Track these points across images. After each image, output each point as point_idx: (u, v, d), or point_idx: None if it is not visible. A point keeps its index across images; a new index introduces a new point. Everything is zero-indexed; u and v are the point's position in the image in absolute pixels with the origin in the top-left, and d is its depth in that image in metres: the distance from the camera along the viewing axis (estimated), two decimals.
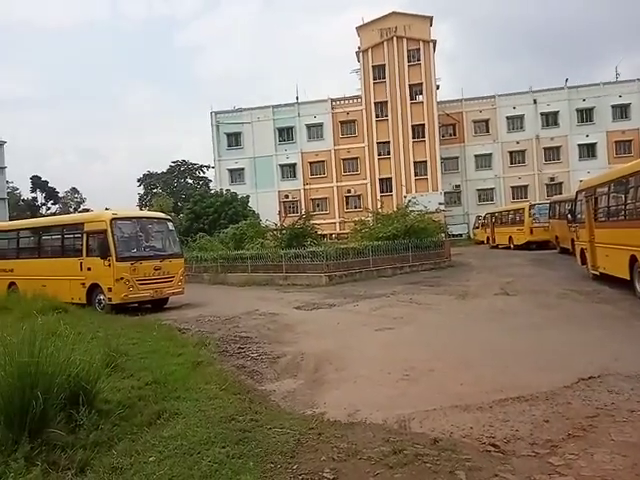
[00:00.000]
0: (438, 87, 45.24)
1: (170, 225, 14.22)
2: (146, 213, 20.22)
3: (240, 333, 8.91)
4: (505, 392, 4.88)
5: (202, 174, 66.04)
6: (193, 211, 32.18)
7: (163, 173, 65.86)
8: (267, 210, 35.29)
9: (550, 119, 45.42)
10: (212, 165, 53.31)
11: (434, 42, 44.38)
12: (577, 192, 15.05)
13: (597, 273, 12.56)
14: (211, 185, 53.81)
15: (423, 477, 3.26)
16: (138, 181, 66.43)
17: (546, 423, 4.08)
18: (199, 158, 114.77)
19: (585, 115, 44.71)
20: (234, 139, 49.23)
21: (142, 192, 66.19)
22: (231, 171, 48.83)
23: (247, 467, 3.42)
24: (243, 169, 48.67)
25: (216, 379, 5.62)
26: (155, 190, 64.23)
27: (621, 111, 44.03)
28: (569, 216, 15.57)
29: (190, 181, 66.73)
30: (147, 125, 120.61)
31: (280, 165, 47.97)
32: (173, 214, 31.33)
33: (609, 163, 41.08)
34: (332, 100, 46.78)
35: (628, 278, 10.15)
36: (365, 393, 5.29)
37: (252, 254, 19.34)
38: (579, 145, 44.56)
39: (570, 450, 3.55)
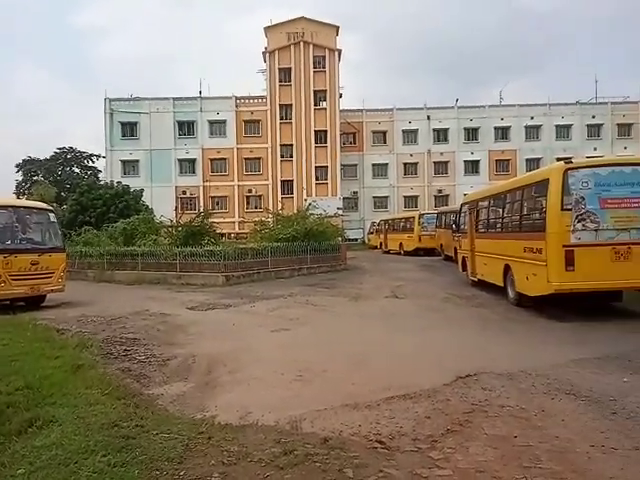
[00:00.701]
0: (341, 95, 46.58)
1: (52, 216, 13.04)
2: (24, 202, 18.46)
3: (127, 334, 8.39)
4: (392, 390, 5.11)
5: (91, 164, 61.22)
6: (79, 202, 29.77)
7: (46, 160, 59.98)
8: (162, 206, 33.78)
9: (441, 135, 48.81)
10: (103, 155, 49.97)
11: (339, 51, 45.63)
12: (461, 204, 16.34)
13: (476, 279, 13.67)
14: (101, 176, 50.32)
15: (313, 476, 3.29)
16: (17, 167, 60.08)
17: (427, 419, 4.34)
18: (89, 147, 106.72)
19: (471, 134, 48.68)
20: (129, 129, 46.58)
21: (21, 179, 59.97)
22: (124, 162, 46.11)
23: (130, 475, 3.22)
24: (138, 161, 46.21)
25: (98, 383, 5.22)
26: (36, 178, 58.46)
27: (502, 133, 48.54)
28: (453, 226, 16.80)
29: (77, 170, 61.46)
30: (34, 110, 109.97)
31: (179, 160, 46.28)
32: (55, 205, 28.83)
33: (490, 179, 45.13)
34: (237, 98, 46.15)
35: (502, 285, 11.18)
36: (258, 395, 5.25)
37: (143, 251, 18.34)
38: (465, 161, 48.40)
39: (449, 444, 3.80)
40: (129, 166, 46.32)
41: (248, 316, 10.40)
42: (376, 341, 7.75)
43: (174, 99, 46.52)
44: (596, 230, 8.46)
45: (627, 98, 47.87)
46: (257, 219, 23.80)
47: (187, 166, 46.64)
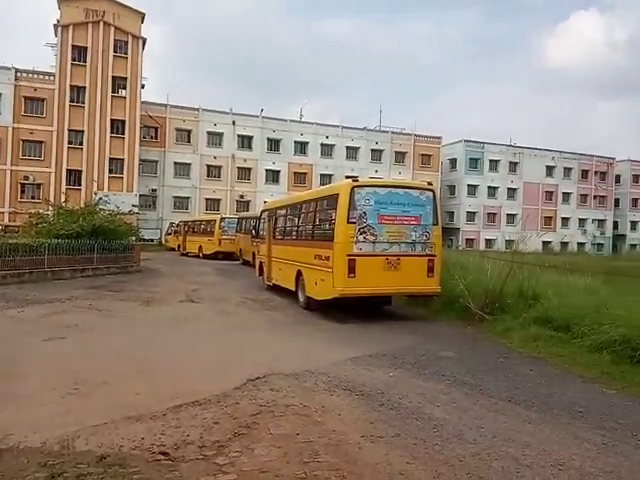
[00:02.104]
0: (143, 86, 43.78)
1: None
2: None
3: None
4: (181, 398, 4.93)
5: None
6: None
7: None
8: None
9: (245, 142, 49.68)
10: None
11: (144, 40, 42.90)
12: (261, 211, 16.85)
13: (271, 284, 14.21)
14: None
15: None
16: None
17: (215, 425, 4.29)
18: None
19: (274, 144, 50.69)
20: None
21: None
22: None
23: None
24: None
25: None
26: None
27: (301, 147, 51.70)
28: (253, 232, 17.24)
29: None
30: None
31: None
32: None
33: (288, 189, 47.65)
34: (17, 70, 39.67)
35: (294, 289, 11.83)
36: (23, 414, 4.51)
37: None
38: (267, 170, 50.12)
39: (235, 448, 3.82)
40: None
41: (14, 323, 8.96)
42: (165, 347, 7.43)
43: None
44: (374, 242, 9.59)
45: (403, 130, 55.74)
46: (33, 211, 20.74)
47: None
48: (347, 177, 10.63)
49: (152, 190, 45.56)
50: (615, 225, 65.49)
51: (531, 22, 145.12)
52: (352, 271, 9.41)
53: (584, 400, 5.23)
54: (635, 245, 62.76)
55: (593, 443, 4.11)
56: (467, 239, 55.70)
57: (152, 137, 46.32)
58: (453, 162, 58.74)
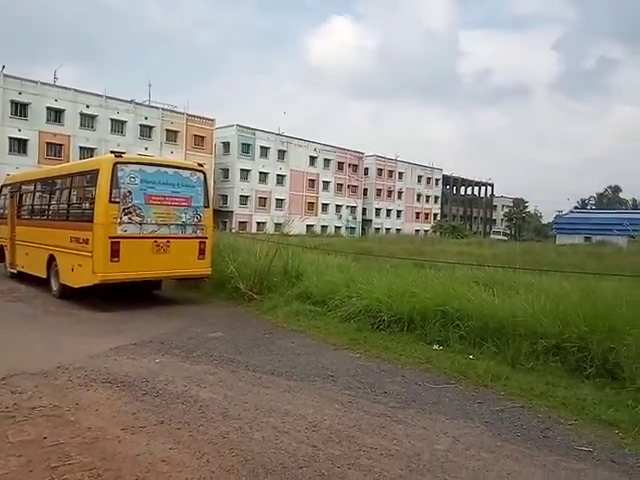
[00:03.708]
0: None
1: None
2: None
3: None
4: None
5: None
6: None
7: None
8: None
9: None
10: None
11: None
12: (2, 186, 14.18)
13: (15, 271, 12.20)
14: None
15: None
16: None
17: None
18: None
19: (19, 109, 43.21)
20: None
21: None
22: None
23: None
24: None
25: None
26: None
27: (55, 115, 45.27)
28: None
29: None
30: None
31: None
32: None
33: (39, 162, 41.37)
34: None
35: (45, 277, 10.38)
36: None
37: None
38: (10, 138, 42.51)
39: None
40: None
41: None
42: None
43: None
44: (141, 224, 9.03)
45: (175, 107, 53.80)
46: None
47: None
48: (111, 152, 9.71)
49: None
50: (364, 211, 75.67)
51: (299, 19, 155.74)
52: (115, 255, 8.70)
53: (335, 365, 5.91)
54: (379, 229, 73.68)
55: (341, 403, 4.67)
56: (240, 222, 57.28)
57: None
58: (227, 146, 59.39)
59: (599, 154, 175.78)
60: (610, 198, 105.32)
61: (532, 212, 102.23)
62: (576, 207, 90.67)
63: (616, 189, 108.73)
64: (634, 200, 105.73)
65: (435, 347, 6.47)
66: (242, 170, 59.41)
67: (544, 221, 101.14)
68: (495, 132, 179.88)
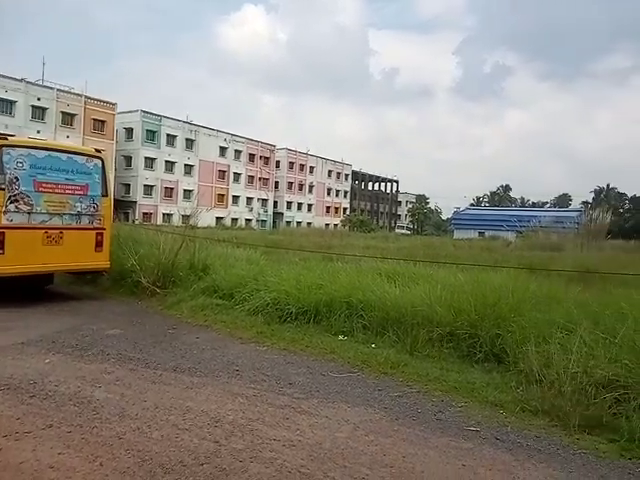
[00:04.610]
0: None
1: None
2: None
3: None
4: None
5: None
6: None
7: None
8: None
9: None
10: None
11: None
12: None
13: None
14: None
15: None
16: None
17: None
18: None
19: None
20: None
21: None
22: None
23: None
24: None
25: None
26: None
27: None
28: None
29: None
30: None
31: None
32: None
33: None
34: None
35: None
36: None
37: None
38: None
39: None
40: None
41: None
42: None
43: None
44: (29, 213, 8.29)
45: (72, 89, 49.98)
46: None
47: None
48: None
49: None
50: (275, 204, 75.65)
51: (210, 3, 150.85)
52: (0, 247, 7.93)
53: (241, 359, 5.85)
54: (290, 222, 74.04)
55: (245, 397, 4.64)
56: (144, 213, 54.76)
57: None
58: (130, 132, 56.36)
59: (493, 153, 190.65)
60: (502, 196, 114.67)
61: (433, 208, 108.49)
62: (472, 204, 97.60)
63: (507, 188, 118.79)
64: (522, 198, 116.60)
65: (340, 337, 6.64)
66: (147, 158, 56.74)
67: (443, 217, 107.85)
68: (401, 130, 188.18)
